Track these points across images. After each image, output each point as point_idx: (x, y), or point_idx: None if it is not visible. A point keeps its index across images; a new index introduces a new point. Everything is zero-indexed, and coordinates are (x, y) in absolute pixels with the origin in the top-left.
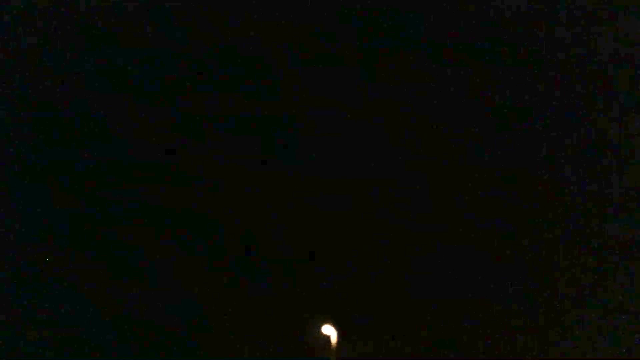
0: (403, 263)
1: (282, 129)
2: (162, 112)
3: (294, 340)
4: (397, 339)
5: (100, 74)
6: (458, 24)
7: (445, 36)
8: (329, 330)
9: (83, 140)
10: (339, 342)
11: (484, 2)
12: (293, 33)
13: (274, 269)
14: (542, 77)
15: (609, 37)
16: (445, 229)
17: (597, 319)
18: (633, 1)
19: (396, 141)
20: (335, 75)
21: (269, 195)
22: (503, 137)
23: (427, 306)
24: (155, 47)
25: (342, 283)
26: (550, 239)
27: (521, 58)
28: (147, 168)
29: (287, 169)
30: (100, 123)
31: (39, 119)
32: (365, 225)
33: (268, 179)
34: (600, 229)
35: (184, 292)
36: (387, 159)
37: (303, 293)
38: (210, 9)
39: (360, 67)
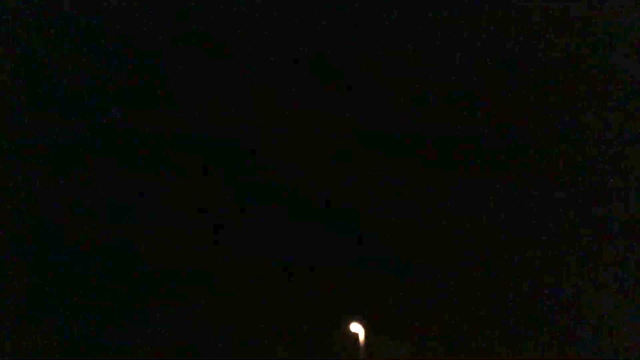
0: (431, 262)
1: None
2: (161, 112)
3: (322, 337)
4: (424, 337)
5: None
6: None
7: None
8: (356, 328)
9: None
10: (366, 339)
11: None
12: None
13: (302, 267)
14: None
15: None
16: (475, 230)
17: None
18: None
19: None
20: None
21: (298, 196)
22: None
23: (454, 305)
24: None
25: (370, 281)
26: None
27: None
28: (148, 168)
29: (317, 169)
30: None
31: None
32: (393, 225)
33: (299, 179)
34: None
35: (215, 294)
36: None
37: (331, 291)
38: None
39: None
